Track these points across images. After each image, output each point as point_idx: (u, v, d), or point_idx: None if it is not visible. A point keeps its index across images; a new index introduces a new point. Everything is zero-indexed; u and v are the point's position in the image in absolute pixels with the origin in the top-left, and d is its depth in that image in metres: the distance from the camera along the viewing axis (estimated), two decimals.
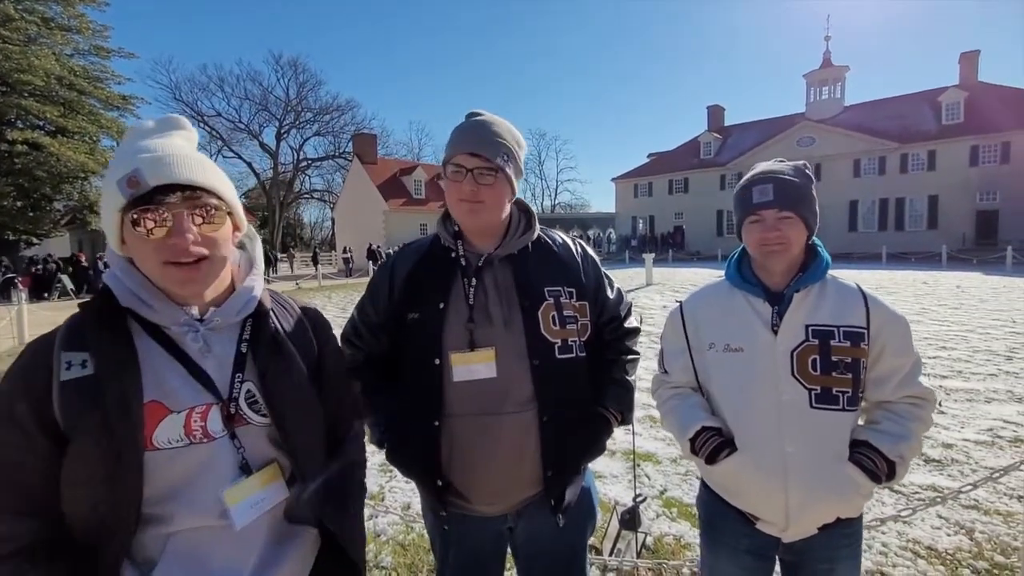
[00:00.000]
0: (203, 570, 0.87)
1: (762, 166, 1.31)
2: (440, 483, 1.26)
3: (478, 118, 1.27)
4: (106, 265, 0.94)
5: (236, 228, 0.96)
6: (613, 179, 44.73)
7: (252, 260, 1.02)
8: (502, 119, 1.30)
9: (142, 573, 0.85)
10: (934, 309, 10.44)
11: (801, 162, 1.32)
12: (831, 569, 1.27)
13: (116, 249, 0.89)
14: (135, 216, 0.82)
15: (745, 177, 1.33)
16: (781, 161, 1.32)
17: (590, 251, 1.46)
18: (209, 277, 0.89)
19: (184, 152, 0.86)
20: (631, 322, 1.49)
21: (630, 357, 1.45)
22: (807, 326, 1.23)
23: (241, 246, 1.02)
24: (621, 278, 19.49)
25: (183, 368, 0.88)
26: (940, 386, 5.30)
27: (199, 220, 0.85)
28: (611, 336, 1.44)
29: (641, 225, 41.77)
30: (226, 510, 0.87)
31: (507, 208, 1.31)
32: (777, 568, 1.35)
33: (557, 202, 70.44)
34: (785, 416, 1.22)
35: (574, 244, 1.44)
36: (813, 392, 1.21)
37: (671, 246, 36.42)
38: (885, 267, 22.88)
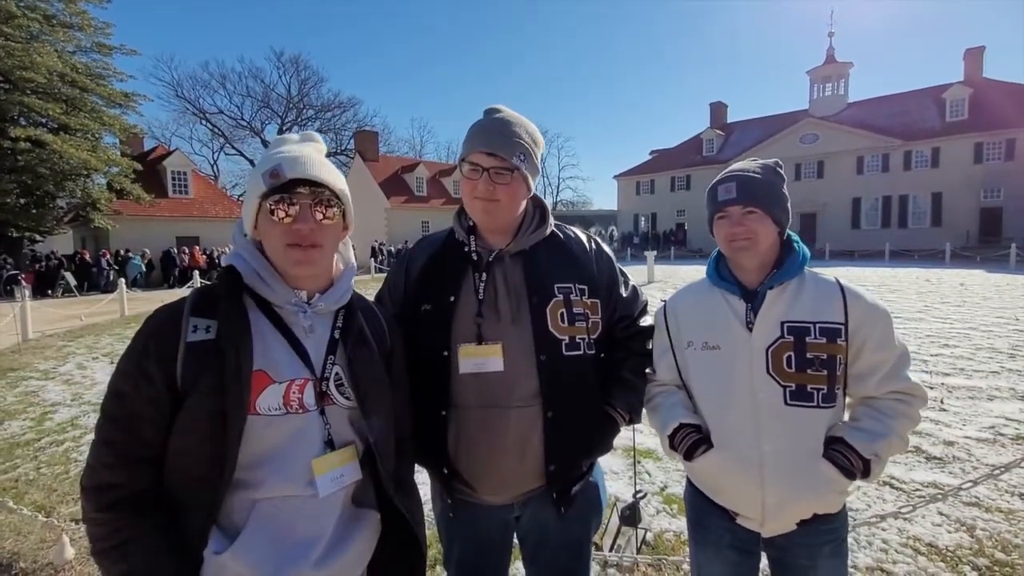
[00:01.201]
0: (285, 537, 0.93)
1: (735, 166, 1.33)
2: (446, 471, 1.28)
3: (497, 115, 1.28)
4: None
5: (346, 227, 1.07)
6: (615, 176, 44.65)
7: (347, 260, 1.14)
8: (521, 116, 1.30)
9: (230, 538, 0.90)
10: (937, 307, 10.42)
11: (772, 160, 1.33)
12: (812, 567, 1.26)
13: (249, 232, 1.02)
14: (272, 203, 0.96)
15: (714, 179, 1.35)
16: (753, 160, 1.33)
17: (605, 247, 1.45)
18: (320, 263, 1.01)
19: (316, 156, 1.01)
20: (646, 320, 1.47)
21: (641, 356, 1.44)
22: (782, 323, 1.23)
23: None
24: None
25: (287, 344, 0.99)
26: (942, 383, 5.29)
27: (320, 213, 0.98)
28: (622, 334, 1.43)
29: (643, 222, 41.69)
30: (312, 479, 0.95)
31: (522, 206, 1.32)
32: (765, 564, 1.36)
33: (559, 200, 70.34)
34: (761, 413, 1.22)
35: (588, 241, 1.44)
36: (788, 389, 1.21)
37: (673, 244, 36.35)
38: (888, 265, 22.82)
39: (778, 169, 1.31)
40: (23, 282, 13.73)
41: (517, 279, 1.29)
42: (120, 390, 0.91)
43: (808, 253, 1.30)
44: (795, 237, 1.31)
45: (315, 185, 0.98)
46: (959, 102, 30.74)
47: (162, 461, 0.91)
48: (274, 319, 1.00)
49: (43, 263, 19.28)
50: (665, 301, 1.45)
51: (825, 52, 35.96)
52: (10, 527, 2.95)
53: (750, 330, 1.24)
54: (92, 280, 19.97)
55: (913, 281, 15.53)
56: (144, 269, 21.47)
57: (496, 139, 1.22)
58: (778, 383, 1.21)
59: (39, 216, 19.97)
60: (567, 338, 1.27)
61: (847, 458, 1.18)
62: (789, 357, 1.20)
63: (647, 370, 1.44)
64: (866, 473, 1.18)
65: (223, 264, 1.02)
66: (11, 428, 4.74)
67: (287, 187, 0.96)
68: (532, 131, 1.29)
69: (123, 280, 13.71)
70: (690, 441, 1.29)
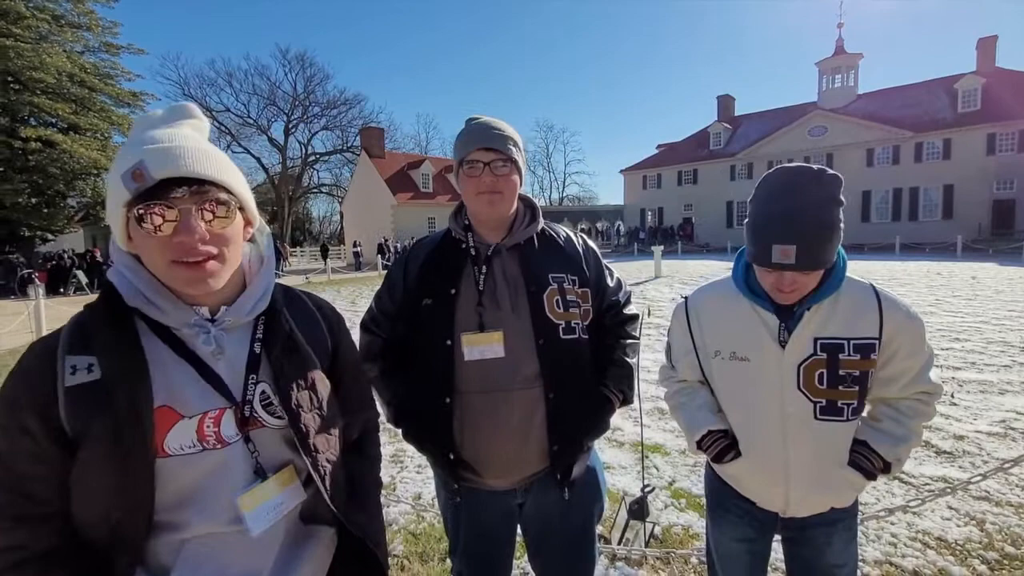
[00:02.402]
0: (222, 575, 0.84)
1: (781, 198, 1.13)
2: (452, 457, 1.33)
3: (481, 120, 1.37)
4: (110, 263, 0.89)
5: (247, 224, 0.91)
6: (621, 171, 44.41)
7: (263, 256, 0.97)
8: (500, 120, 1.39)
9: None
10: (948, 300, 10.30)
11: (831, 175, 1.12)
12: (828, 541, 1.31)
13: (123, 245, 0.84)
14: (140, 212, 0.77)
15: (762, 211, 1.16)
16: (805, 179, 1.12)
17: (591, 243, 1.56)
18: (218, 276, 0.83)
19: (192, 143, 0.81)
20: (630, 309, 1.57)
21: (630, 341, 1.52)
22: (816, 339, 1.20)
23: (251, 240, 0.97)
24: (629, 270, 19.45)
25: (194, 371, 0.84)
26: (953, 377, 5.24)
27: (208, 216, 0.80)
28: (612, 322, 1.51)
29: (650, 217, 41.48)
30: (241, 516, 0.84)
31: (516, 200, 1.39)
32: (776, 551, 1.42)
33: (565, 195, 70.18)
34: (789, 426, 1.23)
35: (576, 237, 1.53)
36: (818, 405, 1.21)
37: (680, 238, 36.18)
38: (898, 258, 22.57)
39: (839, 195, 1.12)
40: (36, 280, 13.90)
41: (514, 270, 1.37)
42: None
43: (846, 260, 1.22)
44: (840, 251, 1.19)
45: (196, 183, 0.79)
46: (971, 92, 30.26)
47: (66, 513, 0.79)
48: (174, 344, 0.84)
49: (55, 261, 19.53)
50: (686, 298, 1.44)
51: (834, 43, 35.48)
52: None
53: (783, 346, 1.22)
54: (103, 278, 20.18)
55: (924, 274, 15.36)
56: None
57: (491, 136, 1.31)
58: (808, 399, 1.21)
59: (50, 215, 20.26)
60: (563, 323, 1.34)
61: (870, 461, 1.21)
62: (821, 374, 1.19)
63: (664, 363, 1.51)
64: (886, 472, 1.22)
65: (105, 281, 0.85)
66: None
67: (158, 190, 0.76)
68: (515, 131, 1.37)
69: None
70: (720, 447, 1.31)
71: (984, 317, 8.37)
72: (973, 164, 28.99)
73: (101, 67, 21.83)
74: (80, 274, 19.27)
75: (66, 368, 0.78)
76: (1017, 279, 13.36)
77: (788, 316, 1.23)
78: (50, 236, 21.37)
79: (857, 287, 1.23)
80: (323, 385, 0.98)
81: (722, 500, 1.42)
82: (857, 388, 1.20)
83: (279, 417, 0.90)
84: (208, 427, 0.83)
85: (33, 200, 19.34)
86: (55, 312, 10.90)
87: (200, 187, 0.79)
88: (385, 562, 1.02)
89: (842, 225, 1.14)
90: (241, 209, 0.88)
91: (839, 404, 1.20)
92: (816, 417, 1.21)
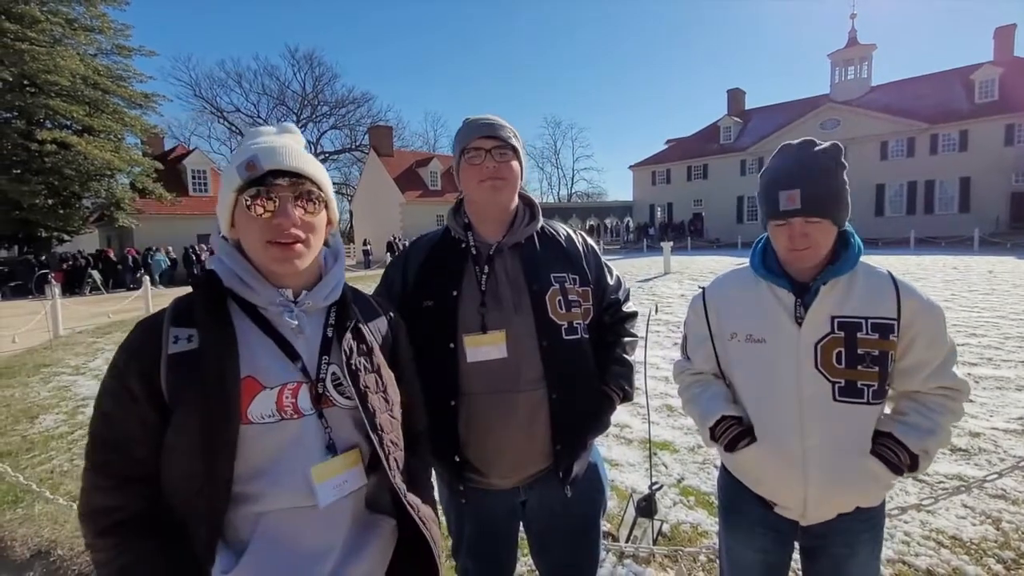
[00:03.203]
0: (293, 551, 0.89)
1: (786, 154, 1.24)
2: (458, 459, 1.32)
3: (479, 116, 1.38)
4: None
5: (329, 221, 1.03)
6: (630, 166, 44.16)
7: (337, 253, 1.09)
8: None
9: (236, 553, 0.87)
10: (964, 295, 10.13)
11: (831, 143, 1.23)
12: (851, 553, 1.25)
13: (225, 231, 0.97)
14: (248, 198, 0.91)
15: (769, 168, 1.26)
16: (808, 142, 1.23)
17: (590, 242, 1.56)
18: (303, 258, 0.95)
19: (294, 147, 0.97)
20: (629, 307, 1.57)
21: (629, 339, 1.52)
22: (833, 317, 1.19)
23: (325, 244, 1.08)
24: (639, 267, 19.35)
25: (276, 346, 0.94)
26: (969, 374, 5.15)
27: (300, 206, 0.94)
28: (611, 319, 1.51)
29: (659, 213, 41.19)
30: (312, 487, 0.90)
31: (517, 194, 1.40)
32: (796, 557, 1.35)
33: (573, 191, 69.88)
34: (807, 408, 1.20)
35: (576, 235, 1.53)
36: (837, 385, 1.18)
37: (690, 234, 35.90)
38: (913, 252, 22.20)
39: (841, 158, 1.21)
40: (53, 280, 14.17)
41: (516, 270, 1.37)
42: (106, 411, 0.87)
43: (862, 246, 1.25)
44: (851, 229, 1.25)
45: (294, 176, 0.93)
46: (989, 82, 29.64)
47: (157, 480, 0.87)
48: (260, 322, 0.95)
49: (71, 262, 19.86)
50: (704, 288, 1.43)
51: (847, 34, 34.92)
52: (47, 516, 3.08)
53: (799, 324, 1.21)
54: (118, 278, 20.52)
55: (939, 269, 15.10)
56: (167, 264, 21.99)
57: (489, 125, 1.33)
58: (827, 379, 1.18)
59: (66, 216, 20.57)
60: (566, 323, 1.35)
61: (895, 453, 1.16)
62: (839, 353, 1.17)
63: (678, 358, 1.51)
64: (913, 468, 1.16)
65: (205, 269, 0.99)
66: (46, 422, 4.92)
67: (264, 179, 0.91)
68: (511, 124, 1.38)
69: (147, 278, 14.07)
70: (733, 433, 1.27)
71: (1002, 312, 8.22)
72: (991, 156, 28.41)
73: (114, 69, 22.09)
74: (95, 274, 19.59)
75: (170, 337, 0.89)
76: None
77: (804, 292, 1.22)
78: (66, 236, 21.71)
79: (874, 271, 1.24)
80: (387, 372, 1.07)
81: (737, 504, 1.37)
82: (877, 369, 1.16)
83: (348, 398, 0.98)
84: (287, 397, 0.92)
85: (49, 201, 19.63)
86: (71, 312, 11.10)
87: (297, 180, 0.93)
88: (437, 544, 1.06)
89: (848, 187, 1.22)
90: (326, 207, 1.01)
91: (859, 385, 1.17)
92: (835, 398, 1.17)
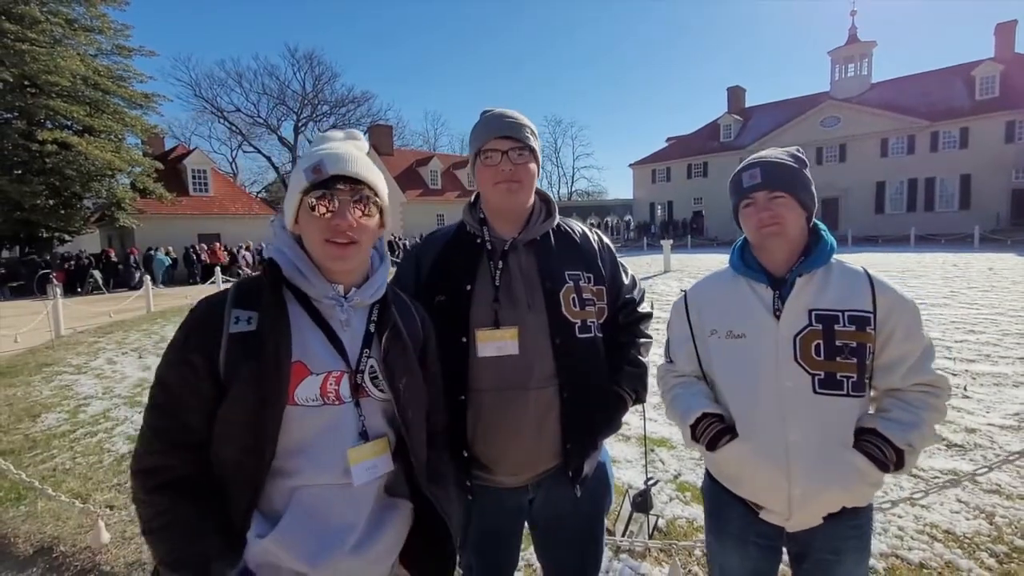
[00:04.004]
0: (322, 524, 0.97)
1: (752, 156, 1.33)
2: (466, 454, 1.32)
3: (496, 110, 1.35)
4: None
5: (382, 225, 1.09)
6: (631, 165, 44.11)
7: (383, 255, 1.16)
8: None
9: (270, 523, 0.95)
10: (963, 292, 10.13)
11: (794, 148, 1.33)
12: (837, 560, 1.24)
13: (289, 227, 1.05)
14: (313, 199, 0.99)
15: (737, 168, 1.35)
16: (773, 149, 1.34)
17: (606, 240, 1.53)
18: (356, 258, 1.03)
19: (357, 154, 1.04)
20: (644, 307, 1.55)
21: (643, 340, 1.50)
22: (810, 310, 1.21)
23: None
24: (639, 265, 19.34)
25: (324, 336, 1.01)
26: (966, 370, 5.17)
27: (358, 210, 1.01)
28: (625, 320, 1.49)
29: (659, 211, 41.17)
30: (348, 468, 0.98)
31: (534, 192, 1.38)
32: (786, 558, 1.34)
33: (574, 189, 69.83)
34: (788, 402, 1.20)
35: (592, 233, 1.51)
36: (816, 377, 1.19)
37: (691, 232, 35.87)
38: (913, 250, 22.20)
39: (799, 155, 1.31)
40: (55, 280, 14.20)
41: (531, 267, 1.35)
42: (166, 380, 0.95)
43: (835, 242, 1.28)
44: (822, 226, 1.30)
45: (355, 182, 1.01)
46: (989, 79, 29.58)
47: (206, 448, 0.95)
48: (312, 312, 1.02)
49: (72, 262, 19.89)
50: (685, 291, 1.45)
51: (847, 31, 34.87)
52: (50, 513, 3.11)
53: (777, 318, 1.23)
54: (119, 278, 20.56)
55: (939, 266, 15.10)
56: (169, 264, 22.02)
57: (507, 124, 1.30)
58: (806, 371, 1.19)
59: (68, 216, 20.56)
60: (579, 322, 1.33)
61: (880, 449, 1.15)
62: (818, 345, 1.19)
63: (664, 360, 1.49)
64: (899, 464, 1.15)
65: (265, 257, 1.07)
66: (48, 420, 4.95)
67: (328, 183, 0.99)
68: (529, 120, 1.36)
69: (148, 277, 14.10)
70: (714, 431, 1.27)
71: (1000, 309, 8.23)
72: (991, 153, 28.36)
73: (114, 69, 22.03)
74: (96, 274, 19.62)
75: (232, 317, 0.96)
76: None
77: (781, 285, 1.26)
78: (67, 237, 21.72)
79: (849, 268, 1.27)
80: (418, 370, 1.14)
81: (722, 510, 1.36)
82: (855, 361, 1.18)
83: (382, 391, 1.06)
84: (331, 384, 0.99)
85: (50, 202, 19.61)
86: (72, 311, 11.13)
87: (357, 185, 1.01)
88: (456, 533, 1.14)
89: (811, 183, 1.30)
90: (380, 213, 1.07)
91: (838, 376, 1.18)
92: (815, 391, 1.19)
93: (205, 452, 0.95)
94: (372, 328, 1.08)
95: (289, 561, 0.94)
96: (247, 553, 0.92)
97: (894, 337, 1.20)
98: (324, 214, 0.99)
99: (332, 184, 0.99)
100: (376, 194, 1.04)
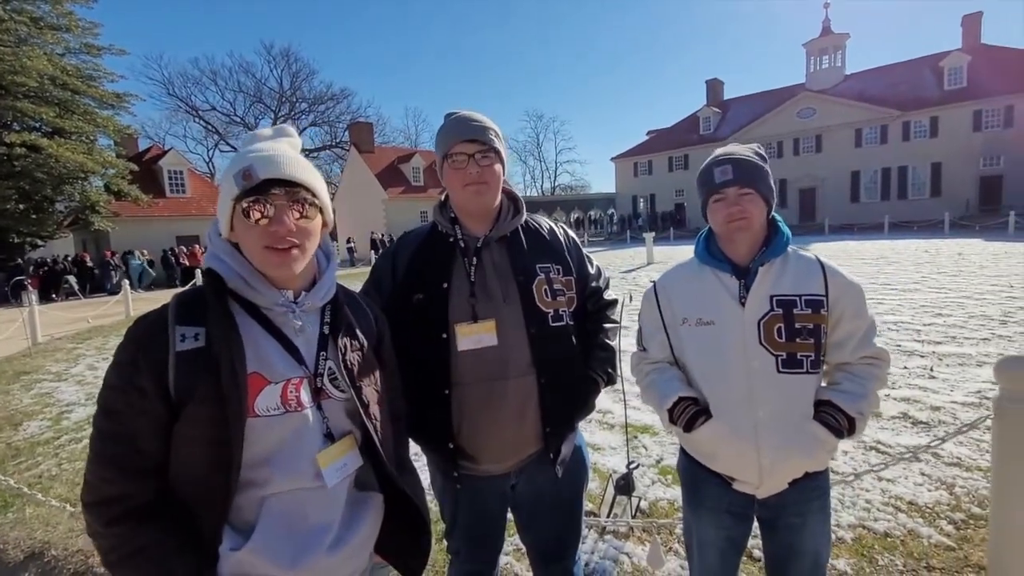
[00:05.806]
0: (299, 527, 0.96)
1: (720, 150, 1.42)
2: (452, 446, 1.38)
3: (460, 113, 1.40)
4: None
5: (324, 224, 1.07)
6: (613, 158, 44.41)
7: (329, 253, 1.14)
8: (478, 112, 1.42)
9: (242, 535, 0.92)
10: (933, 277, 10.50)
11: (755, 144, 1.44)
12: (803, 523, 1.38)
13: (225, 235, 1.00)
14: (245, 205, 0.94)
15: (706, 161, 1.43)
16: (737, 145, 1.43)
17: (571, 234, 1.62)
18: (299, 263, 0.99)
19: (289, 154, 1.00)
20: (609, 294, 1.66)
21: (610, 325, 1.60)
22: (771, 296, 1.32)
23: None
24: (623, 258, 19.56)
25: (279, 344, 0.99)
26: (933, 352, 5.40)
27: (296, 213, 0.97)
28: (593, 307, 1.59)
29: (642, 204, 41.56)
30: (319, 472, 0.98)
31: (500, 191, 1.45)
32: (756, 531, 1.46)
33: (557, 184, 70.00)
34: (755, 382, 1.31)
35: (557, 227, 1.60)
36: (779, 358, 1.30)
37: (673, 224, 36.29)
38: (887, 237, 22.80)
39: (760, 151, 1.41)
40: (30, 287, 13.85)
41: (503, 262, 1.42)
42: (112, 406, 0.89)
43: (791, 233, 1.41)
44: (779, 218, 1.42)
45: (290, 185, 0.96)
46: (957, 70, 30.43)
47: (164, 470, 0.91)
48: (262, 320, 0.99)
49: (46, 267, 19.39)
50: (655, 282, 1.54)
51: (821, 24, 35.51)
52: (39, 519, 3.12)
53: (743, 305, 1.33)
54: (95, 282, 20.11)
55: (912, 252, 15.57)
56: (146, 268, 21.58)
57: (472, 128, 1.35)
58: (770, 352, 1.31)
59: (39, 221, 20.00)
60: (552, 311, 1.41)
61: (835, 418, 1.28)
62: (779, 328, 1.30)
63: (637, 349, 1.58)
64: (851, 431, 1.29)
65: (203, 267, 1.02)
66: (30, 428, 4.90)
67: (261, 188, 0.94)
68: (493, 122, 1.41)
69: (127, 282, 13.84)
70: (689, 413, 1.36)
71: (967, 292, 8.56)
72: (960, 141, 29.24)
73: (83, 69, 21.42)
74: (71, 279, 19.17)
75: (176, 335, 0.91)
76: (1002, 254, 13.59)
77: (745, 274, 1.36)
78: (39, 242, 21.15)
79: (803, 256, 1.39)
80: (376, 365, 1.14)
81: (697, 485, 1.47)
82: (813, 341, 1.30)
83: (342, 391, 1.05)
84: (291, 392, 0.97)
85: (21, 206, 19.04)
86: (49, 318, 10.91)
87: (292, 188, 0.97)
88: (428, 519, 1.18)
89: (770, 173, 1.40)
90: (321, 211, 1.04)
91: (798, 356, 1.30)
92: (779, 370, 1.30)
93: (163, 474, 0.91)
94: (326, 330, 1.06)
95: (267, 568, 0.92)
96: (220, 568, 0.90)
97: (844, 316, 1.33)
98: (260, 220, 0.94)
99: (266, 189, 0.94)
100: (314, 194, 1.00)
